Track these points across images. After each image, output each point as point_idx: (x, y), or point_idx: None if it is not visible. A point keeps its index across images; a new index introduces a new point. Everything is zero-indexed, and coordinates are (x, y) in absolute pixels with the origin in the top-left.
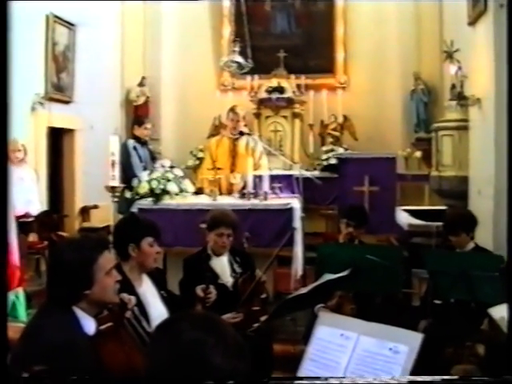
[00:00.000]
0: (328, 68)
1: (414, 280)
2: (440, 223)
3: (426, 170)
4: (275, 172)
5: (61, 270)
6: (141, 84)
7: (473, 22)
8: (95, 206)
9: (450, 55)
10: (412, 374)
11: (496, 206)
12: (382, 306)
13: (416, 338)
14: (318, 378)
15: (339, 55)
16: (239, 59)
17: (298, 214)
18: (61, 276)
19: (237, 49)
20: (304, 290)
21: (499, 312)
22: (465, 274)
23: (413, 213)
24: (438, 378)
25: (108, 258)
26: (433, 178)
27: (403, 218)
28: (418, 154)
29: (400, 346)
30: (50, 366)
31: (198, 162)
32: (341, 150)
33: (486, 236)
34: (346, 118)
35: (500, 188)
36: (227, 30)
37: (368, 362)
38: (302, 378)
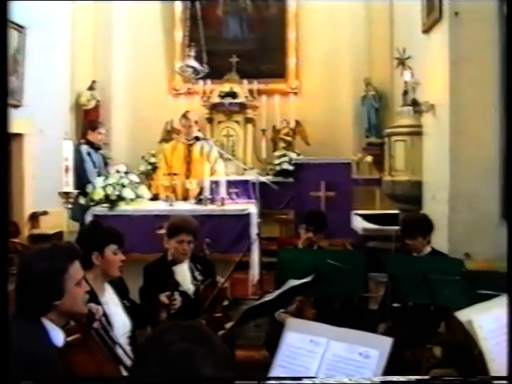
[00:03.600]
0: (280, 73)
1: (370, 284)
2: (397, 227)
3: (377, 175)
4: (231, 177)
5: (30, 280)
6: (91, 88)
7: (427, 30)
8: (45, 212)
9: (401, 62)
10: None
11: (451, 211)
12: (341, 310)
13: (386, 342)
14: (293, 378)
15: (291, 60)
16: (195, 64)
17: (255, 219)
18: (30, 286)
19: (192, 53)
20: (270, 297)
21: (466, 315)
22: (425, 278)
23: (366, 217)
24: (412, 378)
25: (78, 268)
26: (385, 183)
27: (357, 222)
28: (369, 158)
29: (370, 351)
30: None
31: (150, 168)
32: (293, 155)
33: (441, 240)
34: (298, 123)
35: (454, 193)
36: (179, 34)
37: (338, 367)
38: (284, 378)
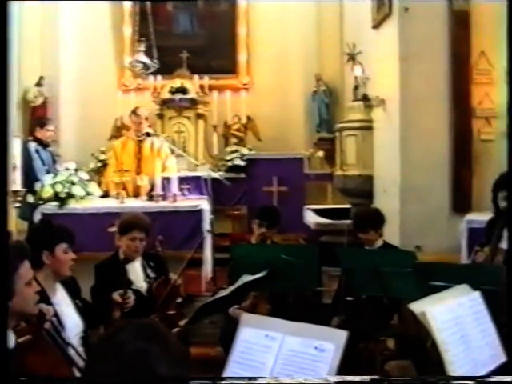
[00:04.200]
0: (231, 69)
1: (324, 278)
2: (348, 221)
3: (329, 170)
4: (183, 173)
5: None
6: (38, 84)
7: (377, 25)
8: None
9: (352, 57)
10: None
11: (402, 204)
12: (295, 304)
13: (341, 336)
14: (249, 378)
15: (242, 56)
16: (144, 59)
17: (207, 215)
18: None
19: (142, 49)
20: (224, 293)
21: (419, 307)
22: (377, 271)
23: (318, 211)
24: (367, 377)
25: (28, 268)
26: (337, 177)
27: (309, 216)
28: (321, 153)
29: (325, 344)
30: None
31: (100, 165)
32: (245, 151)
33: (393, 233)
34: (249, 118)
35: (405, 187)
36: (128, 29)
37: (294, 362)
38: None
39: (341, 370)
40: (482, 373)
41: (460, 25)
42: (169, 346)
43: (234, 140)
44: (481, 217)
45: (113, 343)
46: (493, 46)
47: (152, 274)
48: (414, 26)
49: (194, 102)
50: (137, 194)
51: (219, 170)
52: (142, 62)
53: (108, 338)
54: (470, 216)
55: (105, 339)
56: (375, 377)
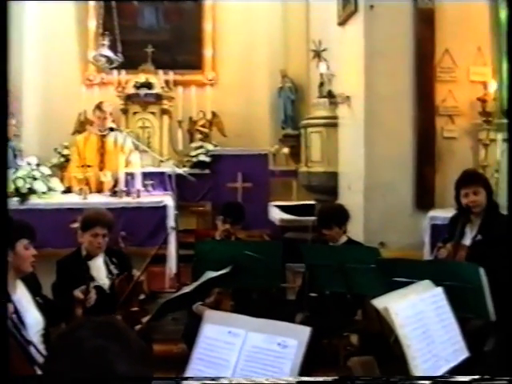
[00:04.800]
0: (196, 64)
1: (288, 274)
2: (313, 218)
3: (294, 166)
4: (147, 169)
5: None
6: None
7: (343, 22)
8: None
9: (317, 54)
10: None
11: (366, 201)
12: (258, 301)
13: (304, 332)
14: (212, 379)
15: (207, 51)
16: (108, 53)
17: (171, 211)
18: None
19: (106, 42)
20: (187, 289)
21: (382, 303)
22: (341, 267)
23: (283, 208)
24: (329, 378)
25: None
26: (302, 174)
27: (274, 213)
28: (286, 150)
29: (289, 341)
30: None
31: (63, 160)
32: (210, 147)
33: (357, 230)
34: (214, 114)
35: (369, 183)
36: (93, 23)
37: (258, 358)
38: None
39: (305, 366)
40: (445, 368)
41: (424, 23)
42: (128, 344)
43: (198, 136)
44: (444, 213)
45: (71, 340)
46: (457, 44)
47: (115, 271)
48: (379, 23)
49: (158, 98)
50: (100, 190)
51: (184, 166)
52: (105, 56)
53: (67, 334)
54: (433, 213)
55: (63, 336)
56: (337, 377)
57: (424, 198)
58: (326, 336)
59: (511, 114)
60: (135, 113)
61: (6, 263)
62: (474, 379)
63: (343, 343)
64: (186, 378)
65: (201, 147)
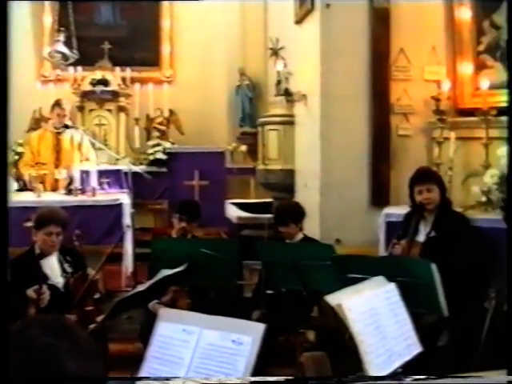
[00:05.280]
0: (154, 61)
1: (245, 271)
2: (269, 215)
3: (252, 164)
4: (103, 167)
5: None
6: None
7: (300, 21)
8: None
9: (275, 52)
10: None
11: (322, 198)
12: (215, 298)
13: (258, 329)
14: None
15: (165, 49)
16: (64, 49)
17: (127, 209)
18: None
19: (61, 38)
20: (141, 287)
21: (335, 299)
22: (296, 264)
23: (240, 206)
24: (282, 378)
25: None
26: (259, 172)
27: (231, 211)
28: (244, 147)
29: (243, 338)
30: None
31: (17, 158)
32: (167, 145)
33: (313, 227)
34: (172, 112)
35: (325, 181)
36: (49, 19)
37: (212, 356)
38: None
39: (261, 363)
40: (398, 363)
41: (380, 22)
42: (78, 342)
43: (156, 133)
44: (398, 211)
45: (21, 338)
46: (411, 43)
47: (69, 269)
48: (336, 22)
49: (115, 95)
50: (55, 188)
51: (141, 164)
52: (60, 53)
53: (15, 333)
54: (388, 210)
55: (13, 334)
56: (289, 377)
57: (379, 195)
58: (282, 333)
59: (511, 114)
60: (91, 110)
61: (6, 261)
62: (429, 377)
63: (300, 340)
64: (140, 378)
65: (158, 145)
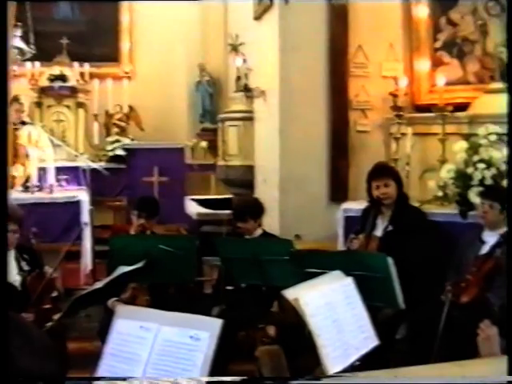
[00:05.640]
0: (113, 57)
1: (204, 268)
2: (228, 211)
3: (212, 160)
4: (60, 164)
5: None
6: None
7: (259, 17)
8: None
9: (234, 48)
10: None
11: (281, 194)
12: (175, 295)
13: (216, 324)
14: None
15: (125, 44)
16: (21, 44)
17: (86, 206)
18: None
19: (18, 34)
20: (99, 285)
21: (293, 294)
22: (255, 260)
23: (200, 202)
24: (237, 378)
25: None
26: (219, 168)
27: (191, 207)
28: (204, 144)
29: (201, 333)
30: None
31: None
32: (127, 141)
33: (272, 222)
34: (131, 108)
35: (284, 176)
36: None
37: (170, 352)
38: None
39: (221, 359)
40: (355, 356)
41: (338, 19)
42: (31, 339)
43: (115, 130)
44: (356, 206)
45: None
46: (369, 40)
47: (26, 268)
48: (294, 18)
49: (73, 91)
50: (11, 185)
51: (100, 161)
52: (17, 48)
53: None
54: (347, 205)
55: None
56: (245, 377)
57: (338, 190)
58: (242, 328)
59: (511, 114)
60: (49, 106)
61: (5, 259)
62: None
63: (260, 335)
64: (98, 378)
65: (117, 141)
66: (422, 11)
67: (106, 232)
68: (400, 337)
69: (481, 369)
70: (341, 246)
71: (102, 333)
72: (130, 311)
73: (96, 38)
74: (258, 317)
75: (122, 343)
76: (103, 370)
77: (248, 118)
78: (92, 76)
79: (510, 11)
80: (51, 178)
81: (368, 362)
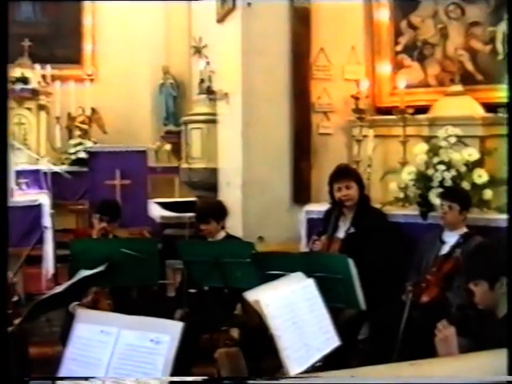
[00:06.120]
0: (75, 59)
1: (168, 271)
2: (192, 214)
3: (176, 163)
4: (21, 167)
5: None
6: None
7: (221, 19)
8: None
9: (198, 50)
10: (175, 363)
11: (244, 196)
12: (138, 298)
13: (176, 327)
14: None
15: (87, 46)
16: None
17: (47, 210)
18: None
19: None
20: (59, 289)
21: (254, 295)
22: (217, 262)
23: (164, 205)
24: (199, 378)
25: None
26: (183, 170)
27: (155, 210)
28: (168, 146)
29: (161, 336)
30: None
31: None
32: (89, 144)
33: (235, 225)
34: (94, 110)
35: (247, 179)
36: None
37: (131, 356)
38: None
39: (184, 362)
40: (316, 357)
41: (301, 22)
42: None
43: (78, 132)
44: (319, 207)
45: None
46: (332, 43)
47: None
48: (257, 21)
49: (35, 93)
50: None
51: (63, 164)
52: None
53: None
54: (309, 207)
55: None
56: (207, 377)
57: (300, 192)
58: (205, 331)
59: (511, 113)
60: (11, 109)
61: (6, 262)
62: None
63: (223, 337)
64: (61, 378)
65: (80, 144)
66: (383, 14)
67: (68, 236)
68: (363, 337)
69: (437, 369)
70: (304, 247)
71: (64, 337)
72: (91, 315)
73: (58, 40)
74: (222, 319)
75: (82, 347)
76: (63, 374)
77: (211, 120)
78: (54, 78)
79: (510, 11)
80: (11, 181)
81: (330, 363)
